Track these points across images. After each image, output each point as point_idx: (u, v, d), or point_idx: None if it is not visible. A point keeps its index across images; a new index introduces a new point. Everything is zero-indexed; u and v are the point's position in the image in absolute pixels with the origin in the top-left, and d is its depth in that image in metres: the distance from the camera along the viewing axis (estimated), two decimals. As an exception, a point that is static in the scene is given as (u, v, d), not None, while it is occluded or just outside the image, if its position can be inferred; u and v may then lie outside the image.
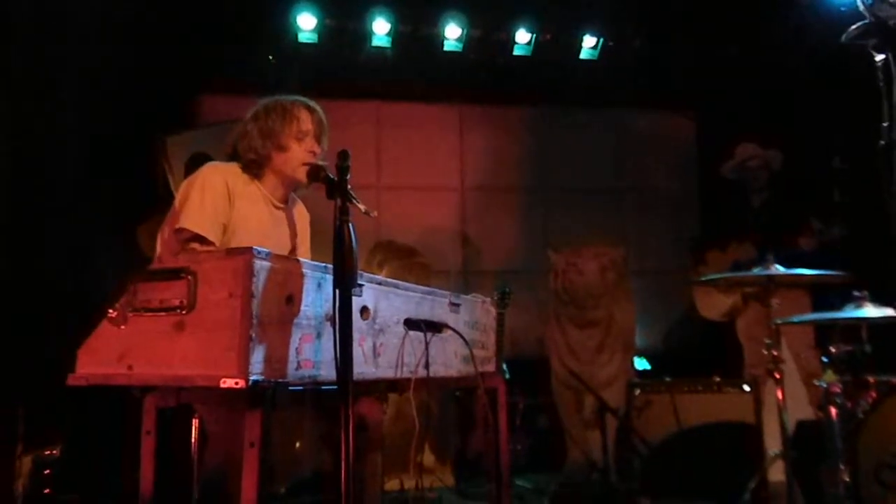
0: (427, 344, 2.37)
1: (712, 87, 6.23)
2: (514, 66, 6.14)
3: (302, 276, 1.91)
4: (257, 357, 1.73)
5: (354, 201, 2.05)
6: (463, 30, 5.88)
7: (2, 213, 4.04)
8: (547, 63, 6.14)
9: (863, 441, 3.11)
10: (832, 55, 3.15)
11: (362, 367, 2.08)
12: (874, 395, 3.20)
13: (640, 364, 5.94)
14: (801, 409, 4.12)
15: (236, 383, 1.68)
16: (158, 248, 2.58)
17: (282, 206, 2.70)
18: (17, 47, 4.26)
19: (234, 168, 2.62)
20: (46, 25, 4.43)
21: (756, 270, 3.42)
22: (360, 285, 2.07)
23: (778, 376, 3.35)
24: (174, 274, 1.82)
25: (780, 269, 3.36)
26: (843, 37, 2.11)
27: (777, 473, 3.59)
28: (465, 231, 6.54)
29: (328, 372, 1.92)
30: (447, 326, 2.49)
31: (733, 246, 4.86)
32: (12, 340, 3.91)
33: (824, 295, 4.00)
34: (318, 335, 1.93)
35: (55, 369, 2.05)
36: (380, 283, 2.23)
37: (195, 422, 2.52)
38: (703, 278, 4.17)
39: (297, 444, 3.98)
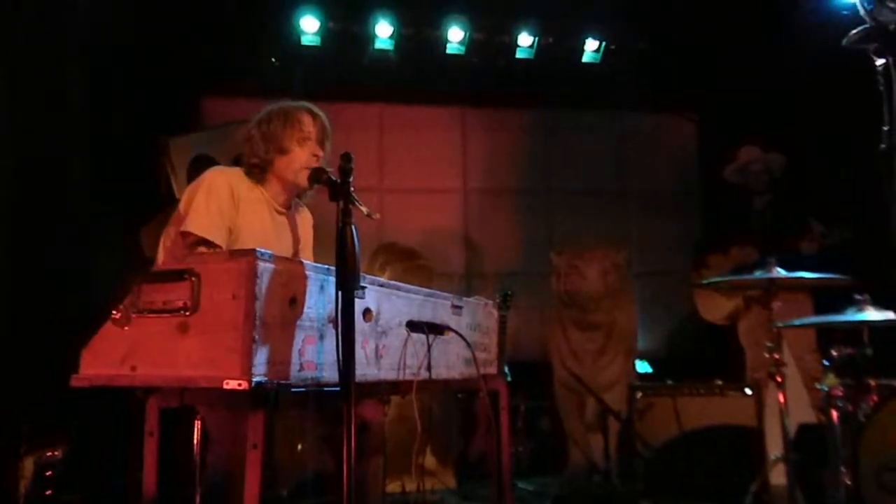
0: (429, 346, 2.37)
1: (714, 90, 6.23)
2: (517, 69, 6.14)
3: (305, 278, 1.91)
4: (260, 358, 1.74)
5: (357, 204, 2.06)
6: (466, 33, 5.89)
7: (6, 214, 4.04)
8: (549, 66, 6.14)
9: (864, 444, 3.11)
10: (833, 59, 3.15)
11: (365, 369, 2.09)
12: (876, 398, 3.19)
13: (642, 367, 5.93)
14: (802, 413, 4.12)
15: (239, 385, 1.69)
16: (161, 254, 2.59)
17: (284, 211, 2.72)
18: (20, 49, 4.27)
19: (237, 172, 2.64)
20: (49, 27, 4.44)
21: (758, 273, 3.43)
22: (363, 287, 2.08)
23: (779, 379, 3.35)
24: (178, 275, 1.83)
25: (781, 272, 3.37)
26: (844, 41, 2.12)
27: (778, 477, 3.58)
28: (468, 233, 6.55)
29: (331, 374, 1.93)
30: (449, 329, 2.49)
31: (735, 249, 4.86)
32: (15, 341, 3.92)
33: (826, 298, 4.00)
34: (321, 337, 1.94)
35: (58, 370, 2.06)
36: (382, 286, 2.23)
37: (198, 423, 2.53)
38: (705, 281, 4.17)
39: (300, 446, 3.99)
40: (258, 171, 2.63)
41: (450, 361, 2.52)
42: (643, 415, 4.34)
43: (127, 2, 4.73)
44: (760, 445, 3.93)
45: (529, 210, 6.65)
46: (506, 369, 4.11)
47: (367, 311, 2.12)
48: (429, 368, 2.37)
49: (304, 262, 1.97)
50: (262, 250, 1.79)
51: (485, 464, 5.08)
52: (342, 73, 5.98)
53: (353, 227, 1.94)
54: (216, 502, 2.35)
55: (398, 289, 2.32)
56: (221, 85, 5.76)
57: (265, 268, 1.78)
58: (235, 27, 5.58)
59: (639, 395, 4.40)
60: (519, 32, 5.97)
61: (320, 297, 1.95)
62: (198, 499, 2.47)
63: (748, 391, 4.23)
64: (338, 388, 1.85)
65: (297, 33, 5.73)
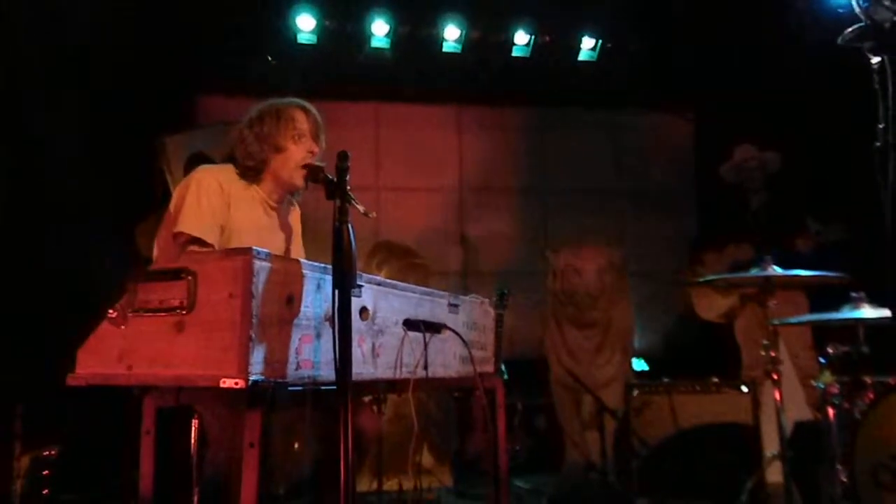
0: (426, 345, 2.37)
1: (710, 88, 6.24)
2: (513, 68, 6.15)
3: (302, 276, 1.91)
4: (257, 357, 1.73)
5: (353, 202, 2.06)
6: (462, 31, 5.89)
7: (1, 213, 4.04)
8: (546, 64, 6.15)
9: (860, 442, 3.12)
10: (829, 57, 3.15)
11: (361, 368, 2.09)
12: (871, 395, 3.20)
13: (639, 365, 5.94)
14: (798, 410, 4.13)
15: (236, 383, 1.69)
16: (156, 254, 2.58)
17: (277, 206, 2.70)
18: (17, 48, 4.26)
19: (228, 170, 2.61)
20: (46, 26, 4.43)
21: (754, 271, 3.43)
22: (360, 286, 2.08)
23: (776, 377, 3.36)
24: (174, 274, 1.83)
25: (777, 270, 3.37)
26: (840, 39, 2.12)
27: (775, 474, 3.60)
28: (464, 232, 6.55)
29: (328, 372, 1.93)
30: (446, 327, 2.49)
31: (731, 247, 4.86)
32: (11, 340, 3.91)
33: (822, 296, 4.01)
34: (318, 335, 1.94)
35: (54, 369, 2.06)
36: (379, 284, 2.23)
37: (195, 422, 2.52)
38: (701, 279, 4.18)
39: (296, 445, 3.99)
40: (253, 173, 2.61)
41: (446, 360, 2.52)
42: (640, 412, 4.34)
43: (124, 0, 4.72)
44: (756, 443, 3.94)
45: (525, 208, 6.66)
46: (502, 367, 4.11)
47: (363, 310, 2.12)
48: (425, 367, 2.37)
49: (301, 260, 1.96)
50: (259, 249, 1.79)
51: (481, 462, 5.08)
52: (338, 72, 5.98)
53: (349, 225, 1.94)
54: (214, 501, 2.35)
55: (395, 287, 2.32)
56: (218, 83, 5.76)
57: (262, 266, 1.77)
58: (232, 26, 5.57)
59: (635, 392, 4.40)
60: (515, 31, 5.98)
61: (317, 296, 1.94)
62: (195, 498, 2.47)
63: (744, 389, 4.23)
64: (334, 387, 1.85)
65: (294, 32, 5.72)
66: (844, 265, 3.44)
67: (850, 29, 2.10)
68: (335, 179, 2.04)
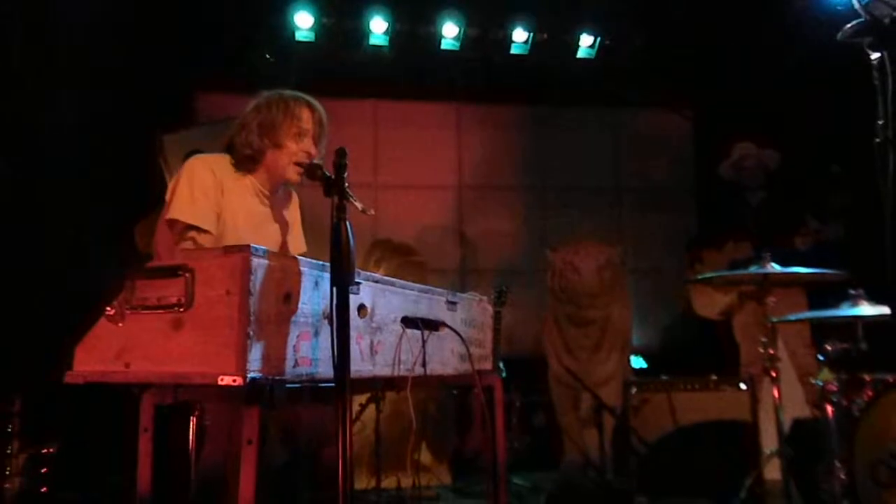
0: (424, 342, 2.37)
1: (709, 85, 6.24)
2: (512, 65, 6.15)
3: (299, 273, 1.91)
4: (255, 354, 1.73)
5: (352, 199, 2.06)
6: (460, 29, 5.89)
7: (-1, 210, 4.04)
8: (544, 62, 6.15)
9: (859, 439, 3.12)
10: (828, 54, 3.15)
11: (359, 365, 2.09)
12: (870, 393, 3.20)
13: (637, 362, 5.95)
14: (797, 408, 4.13)
15: (234, 381, 1.68)
16: (155, 247, 2.57)
17: (270, 196, 2.67)
18: (15, 46, 4.25)
19: (222, 160, 2.59)
20: (44, 23, 4.42)
21: (752, 269, 3.44)
22: (358, 283, 2.08)
23: (774, 374, 3.37)
24: (172, 271, 1.82)
25: (776, 267, 3.38)
26: (839, 35, 2.12)
27: (773, 471, 3.60)
28: (463, 229, 6.55)
29: (326, 369, 1.92)
30: (444, 324, 2.49)
31: (730, 245, 4.86)
32: (9, 337, 3.91)
33: (820, 293, 4.01)
34: (316, 333, 1.94)
35: (52, 367, 2.05)
36: (377, 282, 2.23)
37: (193, 419, 2.52)
38: (700, 277, 4.18)
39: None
40: (249, 162, 2.58)
41: (444, 357, 2.52)
42: (638, 410, 4.34)
43: (121, -2, 4.72)
44: (755, 440, 3.94)
45: (524, 206, 6.66)
46: (501, 365, 4.11)
47: (361, 307, 2.12)
48: (423, 364, 2.36)
49: (299, 258, 1.96)
50: (257, 246, 1.78)
51: (480, 459, 5.09)
52: (336, 69, 5.97)
53: (347, 222, 1.93)
54: (211, 497, 2.35)
55: (393, 285, 2.31)
56: (216, 80, 5.75)
57: (259, 263, 1.77)
58: (230, 23, 5.57)
59: (633, 390, 4.40)
60: (513, 28, 5.97)
61: (315, 293, 1.94)
62: (193, 495, 2.46)
63: (743, 386, 4.23)
64: (332, 384, 1.85)
65: (292, 29, 5.72)
66: (843, 262, 3.44)
67: (849, 25, 2.11)
68: (333, 176, 2.04)
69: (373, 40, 5.83)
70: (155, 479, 2.13)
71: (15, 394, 3.81)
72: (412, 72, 6.14)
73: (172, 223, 2.44)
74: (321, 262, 1.97)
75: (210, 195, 2.48)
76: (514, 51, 6.06)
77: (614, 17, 6.01)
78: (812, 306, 4.45)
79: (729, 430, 4.09)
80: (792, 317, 3.82)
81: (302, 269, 1.92)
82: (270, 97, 2.62)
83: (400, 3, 5.75)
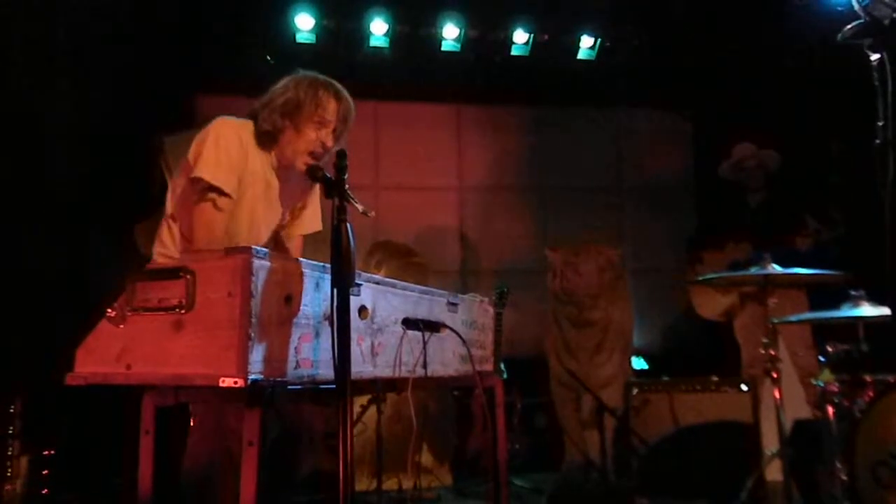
0: (425, 343, 2.37)
1: (709, 86, 6.24)
2: (512, 66, 6.15)
3: (300, 275, 1.91)
4: (256, 356, 1.73)
5: (352, 201, 2.06)
6: (461, 30, 5.89)
7: (0, 211, 4.04)
8: (545, 63, 6.15)
9: (860, 440, 3.12)
10: (828, 55, 3.16)
11: (360, 367, 2.09)
12: (871, 394, 3.20)
13: (638, 364, 5.94)
14: (798, 409, 4.13)
15: (235, 382, 1.69)
16: (170, 208, 2.56)
17: (283, 173, 2.66)
18: (16, 47, 4.25)
19: (248, 126, 2.58)
20: (45, 25, 4.42)
21: (753, 270, 3.43)
22: (359, 285, 2.08)
23: (775, 375, 3.36)
24: (173, 273, 1.82)
25: (776, 268, 3.37)
26: (839, 36, 2.12)
27: (774, 472, 3.60)
28: (463, 230, 6.55)
29: (327, 371, 1.92)
30: (445, 326, 2.49)
31: (730, 245, 4.86)
32: (9, 339, 3.91)
33: (821, 294, 4.01)
34: (317, 334, 1.94)
35: (53, 368, 2.05)
36: (378, 283, 2.23)
37: (193, 421, 2.52)
38: (701, 278, 4.17)
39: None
40: (268, 138, 2.57)
41: (445, 358, 2.52)
42: (639, 411, 4.34)
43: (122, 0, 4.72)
44: (756, 441, 3.94)
45: (525, 207, 6.66)
46: (502, 366, 4.12)
47: (362, 309, 2.12)
48: (424, 366, 2.36)
49: (300, 259, 1.96)
50: (258, 248, 1.78)
51: (481, 460, 5.09)
52: (337, 71, 5.87)
53: (348, 224, 1.94)
54: (198, 491, 2.35)
55: (394, 286, 2.31)
56: (216, 83, 5.75)
57: (261, 265, 1.77)
58: (231, 25, 5.57)
59: (635, 391, 4.40)
60: (514, 30, 5.98)
61: (316, 295, 1.94)
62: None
63: (744, 387, 4.23)
64: (333, 386, 1.85)
65: (292, 31, 5.72)
66: (844, 263, 3.44)
67: (849, 26, 2.10)
68: (334, 178, 2.04)
69: (373, 42, 5.84)
70: (156, 481, 2.13)
71: (16, 396, 3.82)
72: (413, 73, 6.14)
73: (196, 181, 2.44)
74: (322, 264, 1.97)
75: (234, 160, 2.48)
76: (514, 52, 6.06)
77: (614, 18, 6.01)
78: (813, 307, 4.45)
79: (730, 432, 4.08)
80: (793, 318, 3.82)
81: (303, 270, 1.92)
82: (303, 77, 2.63)
83: (400, 5, 5.75)
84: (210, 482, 2.32)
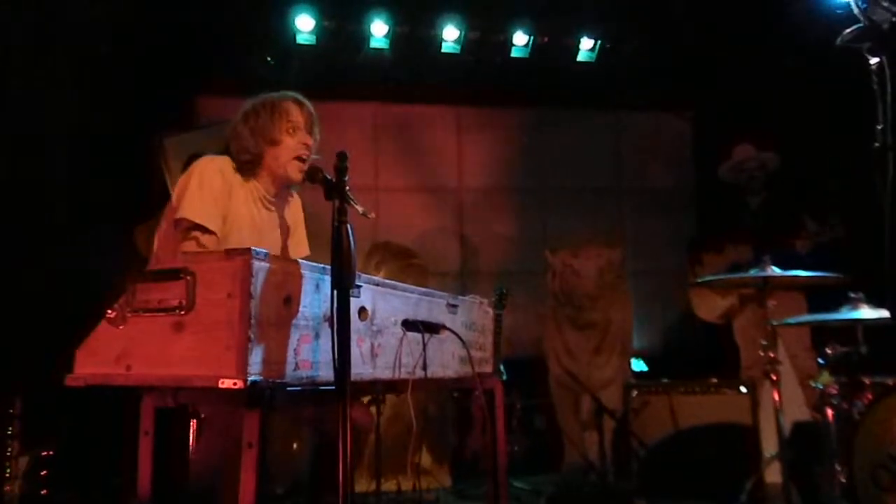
0: (424, 345, 2.37)
1: (709, 88, 6.24)
2: (512, 68, 6.15)
3: (300, 277, 1.91)
4: (256, 357, 1.73)
5: (352, 202, 2.06)
6: (461, 32, 5.89)
7: (0, 211, 4.04)
8: (544, 65, 6.15)
9: (859, 442, 3.12)
10: (828, 58, 3.16)
11: (360, 368, 2.09)
12: (870, 396, 3.20)
13: (638, 365, 5.94)
14: (797, 411, 4.13)
15: (234, 384, 1.69)
16: (156, 247, 2.57)
17: (274, 201, 2.67)
18: (16, 48, 4.26)
19: (228, 161, 2.60)
20: (45, 26, 4.43)
21: (752, 272, 3.44)
22: (358, 286, 2.08)
23: (774, 378, 3.37)
24: (173, 274, 1.83)
25: (776, 270, 3.38)
26: (838, 40, 2.12)
27: (773, 474, 3.60)
28: (463, 232, 6.55)
29: (326, 372, 1.92)
30: (445, 327, 2.49)
31: (730, 247, 4.86)
32: (9, 339, 3.91)
33: (820, 296, 4.01)
34: (317, 336, 1.94)
35: (52, 369, 2.06)
36: (377, 285, 2.23)
37: (193, 422, 2.52)
38: (700, 280, 4.18)
39: (295, 445, 3.99)
40: (250, 167, 2.59)
41: (445, 360, 2.52)
42: (638, 413, 4.34)
43: (122, 1, 4.72)
44: (755, 443, 3.94)
45: (524, 208, 6.66)
46: (501, 368, 4.12)
47: (362, 310, 2.12)
48: (424, 367, 2.37)
49: (300, 261, 1.96)
50: (258, 249, 1.79)
51: (480, 462, 5.08)
52: (337, 72, 5.98)
53: (348, 225, 1.94)
54: (206, 491, 2.35)
55: (393, 288, 2.32)
56: (216, 84, 5.75)
57: (260, 267, 1.77)
58: (231, 26, 5.57)
59: (634, 393, 4.40)
60: (514, 31, 5.98)
61: (315, 296, 1.94)
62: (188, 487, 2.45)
63: (743, 389, 4.23)
64: (333, 387, 1.85)
65: (293, 32, 5.72)
66: (843, 266, 3.44)
67: (848, 30, 2.11)
68: (334, 180, 2.04)
69: (374, 43, 5.84)
70: (155, 482, 2.13)
71: (15, 396, 3.82)
72: (413, 75, 6.14)
73: (179, 221, 2.44)
74: (322, 265, 1.97)
75: (218, 197, 2.48)
76: (514, 54, 6.06)
77: (614, 20, 6.01)
78: (812, 309, 4.45)
79: (729, 434, 4.09)
80: (792, 320, 3.82)
81: (303, 272, 1.93)
82: (256, 102, 2.63)
83: (401, 6, 5.75)
84: (220, 480, 2.32)
